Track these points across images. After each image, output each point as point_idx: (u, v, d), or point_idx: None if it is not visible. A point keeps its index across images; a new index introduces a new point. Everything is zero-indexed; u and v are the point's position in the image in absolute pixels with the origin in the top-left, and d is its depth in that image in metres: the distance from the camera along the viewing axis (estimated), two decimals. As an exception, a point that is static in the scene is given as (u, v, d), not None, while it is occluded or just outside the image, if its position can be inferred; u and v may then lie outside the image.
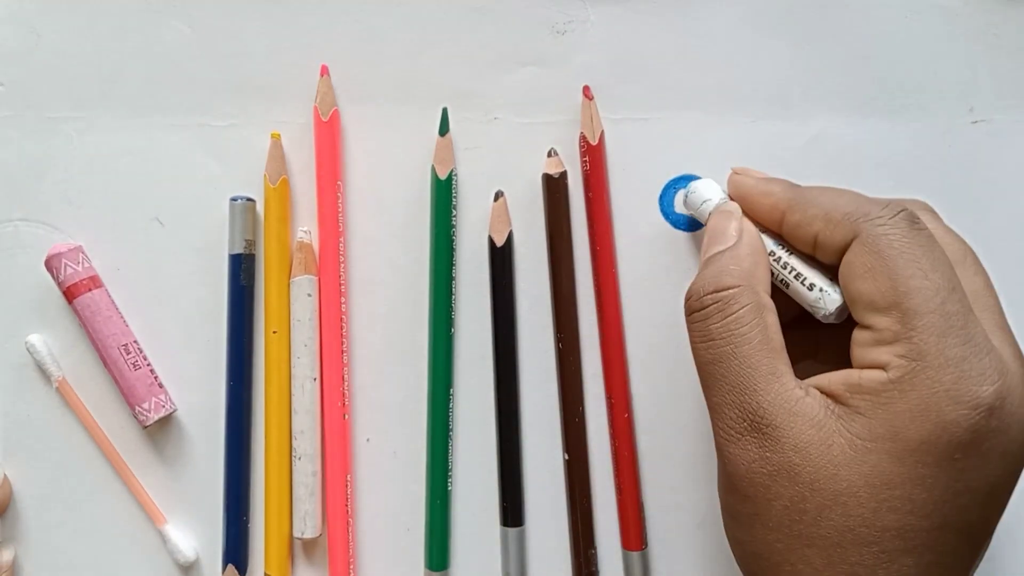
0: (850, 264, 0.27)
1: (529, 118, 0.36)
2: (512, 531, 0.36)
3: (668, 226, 0.36)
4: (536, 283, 0.36)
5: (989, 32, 0.36)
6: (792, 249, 0.30)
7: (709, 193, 0.32)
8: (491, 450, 0.36)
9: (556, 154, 0.35)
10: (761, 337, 0.27)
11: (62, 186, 0.36)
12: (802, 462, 0.25)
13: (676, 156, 0.36)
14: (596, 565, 0.36)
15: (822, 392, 0.27)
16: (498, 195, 0.36)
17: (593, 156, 0.35)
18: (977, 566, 0.27)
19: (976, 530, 0.25)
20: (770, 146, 0.36)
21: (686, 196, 0.33)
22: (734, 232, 0.30)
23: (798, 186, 0.30)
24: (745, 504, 0.27)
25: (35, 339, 0.36)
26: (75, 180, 0.36)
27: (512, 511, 0.36)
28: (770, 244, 0.30)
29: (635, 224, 0.36)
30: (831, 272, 0.28)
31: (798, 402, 0.26)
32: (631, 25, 0.36)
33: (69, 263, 0.35)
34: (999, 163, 0.36)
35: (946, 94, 0.36)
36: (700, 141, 0.36)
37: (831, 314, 0.28)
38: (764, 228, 0.30)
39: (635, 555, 0.36)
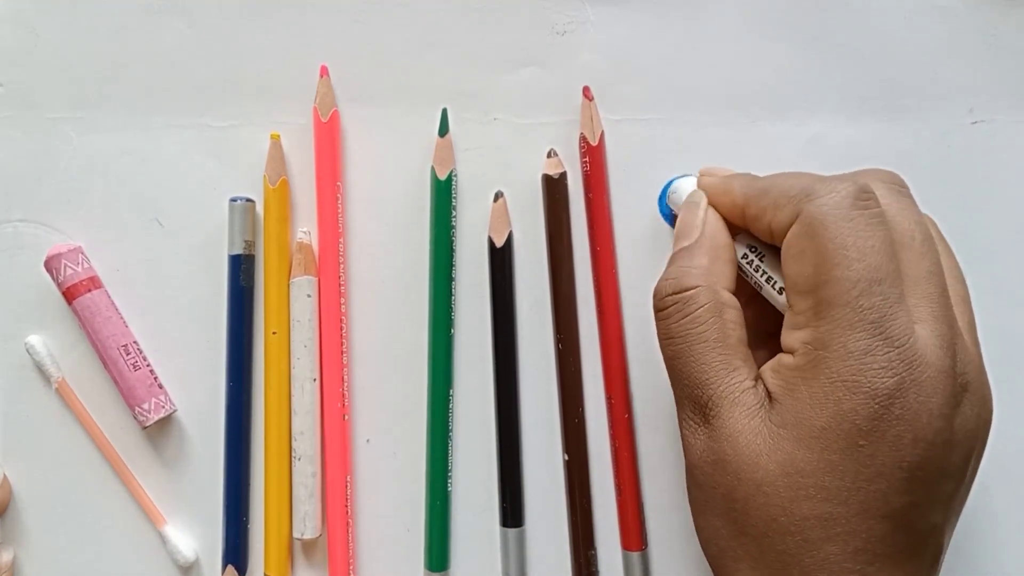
0: (787, 244, 0.27)
1: (529, 118, 0.36)
2: (512, 532, 0.36)
3: (668, 226, 0.36)
4: (536, 283, 0.36)
5: (989, 32, 0.36)
6: (765, 251, 0.29)
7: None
8: (491, 450, 0.36)
9: (556, 155, 0.35)
10: (717, 335, 0.28)
11: (62, 186, 0.36)
12: (732, 452, 0.26)
13: (676, 156, 0.36)
14: (596, 566, 0.36)
15: (763, 379, 0.27)
16: (498, 196, 0.36)
17: (593, 156, 0.35)
18: (929, 554, 0.26)
19: (905, 516, 0.25)
20: (769, 146, 0.36)
21: (668, 196, 0.33)
22: (699, 224, 0.30)
23: (757, 178, 0.29)
24: (698, 492, 0.28)
25: (35, 340, 0.36)
26: (75, 180, 0.36)
27: (512, 512, 0.36)
28: (742, 247, 0.30)
29: (635, 224, 0.36)
30: None
31: (743, 393, 0.27)
32: (631, 25, 0.36)
33: (69, 264, 0.35)
34: (999, 164, 0.36)
35: (946, 94, 0.36)
36: (700, 141, 0.36)
37: None
38: (738, 228, 0.30)
39: (635, 555, 0.36)
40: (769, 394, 0.27)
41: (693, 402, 0.28)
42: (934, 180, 0.36)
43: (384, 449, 0.36)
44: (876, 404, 0.24)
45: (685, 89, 0.36)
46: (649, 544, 0.36)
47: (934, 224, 0.29)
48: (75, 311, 0.35)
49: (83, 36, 0.36)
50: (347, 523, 0.35)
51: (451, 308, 0.36)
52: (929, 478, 0.25)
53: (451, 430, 0.36)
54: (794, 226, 0.27)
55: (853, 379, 0.25)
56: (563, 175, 0.35)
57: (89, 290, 0.35)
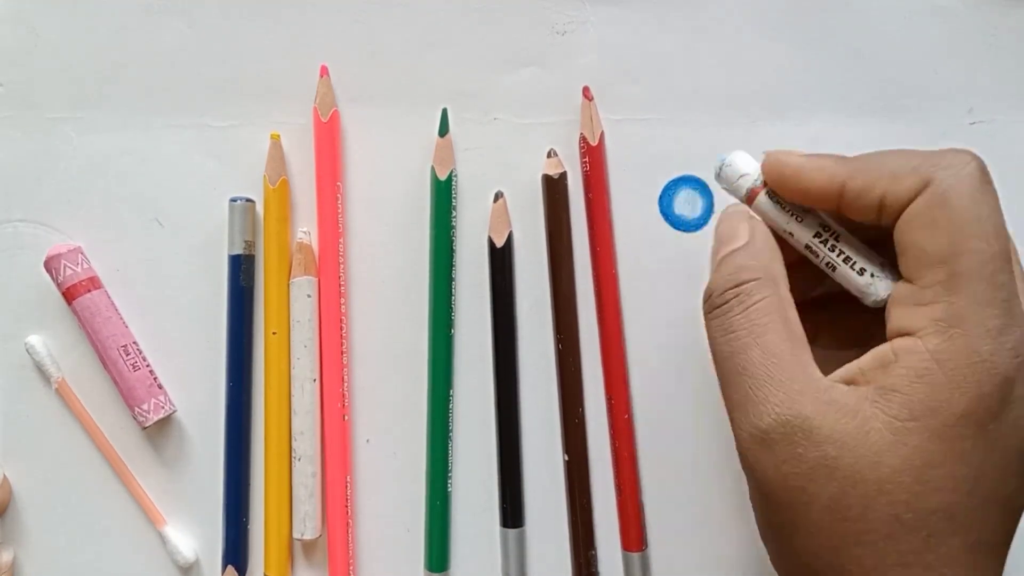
0: (913, 213, 0.25)
1: (529, 118, 0.36)
2: (512, 532, 0.36)
3: (668, 226, 0.36)
4: (536, 283, 0.36)
5: (989, 32, 0.36)
6: (839, 232, 0.28)
7: (746, 167, 0.29)
8: (491, 451, 0.36)
9: (556, 155, 0.35)
10: (784, 327, 0.26)
11: (62, 186, 0.36)
12: (839, 454, 0.24)
13: (676, 156, 0.36)
14: (596, 566, 0.36)
15: (847, 381, 0.25)
16: (498, 196, 0.36)
17: (593, 156, 0.35)
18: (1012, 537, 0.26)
19: (1012, 500, 0.24)
20: (769, 146, 0.35)
21: (720, 170, 0.30)
22: (745, 233, 0.28)
23: (849, 157, 0.28)
24: (781, 512, 0.25)
25: (35, 340, 0.36)
26: (75, 180, 0.36)
27: (512, 512, 0.36)
28: (814, 225, 0.28)
29: (635, 224, 0.36)
30: (881, 257, 0.27)
31: (827, 391, 0.25)
32: (631, 25, 0.36)
33: (68, 264, 0.35)
34: (999, 164, 0.36)
35: (945, 95, 0.36)
36: (700, 141, 0.36)
37: (881, 300, 0.27)
38: (809, 208, 0.28)
39: (635, 556, 0.36)
40: (878, 387, 0.24)
41: (762, 404, 0.25)
42: (934, 180, 0.36)
43: (384, 449, 0.36)
44: (1008, 386, 0.23)
45: (685, 89, 0.36)
46: (649, 544, 0.36)
47: None
48: (75, 311, 0.35)
49: (83, 36, 0.36)
50: (347, 523, 0.35)
51: (451, 308, 0.36)
52: None
53: (451, 430, 0.36)
54: (924, 194, 0.25)
55: (992, 359, 0.23)
56: (563, 175, 0.35)
57: (89, 290, 0.35)
